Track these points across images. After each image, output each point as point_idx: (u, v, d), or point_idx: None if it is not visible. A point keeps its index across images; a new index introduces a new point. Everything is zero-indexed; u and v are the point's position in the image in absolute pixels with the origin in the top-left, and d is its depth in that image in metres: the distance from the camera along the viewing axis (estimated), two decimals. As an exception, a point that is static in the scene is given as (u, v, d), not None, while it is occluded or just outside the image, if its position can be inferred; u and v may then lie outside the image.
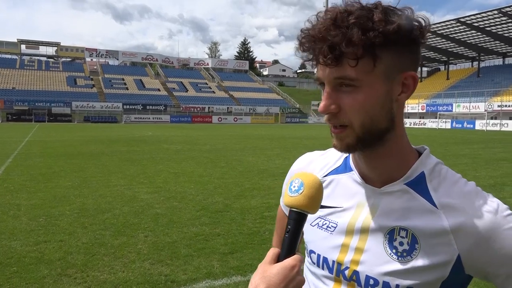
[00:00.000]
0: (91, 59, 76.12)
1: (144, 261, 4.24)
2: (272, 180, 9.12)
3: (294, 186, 0.74)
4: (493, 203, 0.78)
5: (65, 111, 54.85)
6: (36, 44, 74.05)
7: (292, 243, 0.72)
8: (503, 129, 44.25)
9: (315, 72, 0.80)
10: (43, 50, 74.84)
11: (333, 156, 0.97)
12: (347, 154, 0.92)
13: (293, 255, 0.71)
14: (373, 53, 0.71)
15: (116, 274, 3.93)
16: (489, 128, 44.75)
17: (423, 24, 0.74)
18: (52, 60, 73.69)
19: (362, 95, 0.74)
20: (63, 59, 74.48)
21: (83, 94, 60.55)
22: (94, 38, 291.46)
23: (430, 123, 52.48)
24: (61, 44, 74.65)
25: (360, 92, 0.74)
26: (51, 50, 75.17)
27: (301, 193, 0.72)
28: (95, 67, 72.89)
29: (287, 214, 0.97)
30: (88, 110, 56.57)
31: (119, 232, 5.23)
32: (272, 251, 0.73)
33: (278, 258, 0.72)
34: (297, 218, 0.73)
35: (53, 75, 65.12)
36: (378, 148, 0.80)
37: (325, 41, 0.71)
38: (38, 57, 73.20)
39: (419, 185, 0.81)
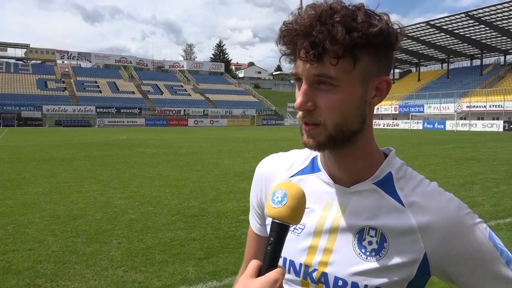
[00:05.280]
0: (63, 62, 74.16)
1: (117, 269, 4.15)
2: (249, 182, 9.03)
3: (277, 197, 0.72)
4: (455, 201, 0.81)
5: (36, 115, 53.25)
6: (4, 46, 71.65)
7: (274, 255, 0.70)
8: (472, 129, 45.76)
9: (291, 68, 0.78)
10: (11, 52, 72.61)
11: (299, 157, 0.95)
12: (315, 155, 0.92)
13: (275, 268, 0.69)
14: (354, 54, 0.71)
15: (88, 282, 3.83)
16: (458, 128, 46.21)
17: (398, 30, 0.76)
18: (21, 62, 71.41)
19: (340, 95, 0.74)
20: (33, 62, 72.32)
21: (54, 97, 58.96)
22: (65, 39, 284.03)
23: (403, 124, 53.72)
24: (31, 46, 72.55)
25: (337, 92, 0.74)
26: (20, 52, 72.94)
27: (285, 204, 0.70)
28: (66, 70, 71.02)
29: (258, 231, 0.96)
30: (59, 114, 55.09)
31: (91, 239, 5.10)
32: (253, 264, 0.70)
33: (260, 271, 0.69)
34: (280, 230, 0.71)
35: (23, 78, 63.12)
36: (348, 148, 0.80)
37: (309, 36, 0.70)
38: (6, 59, 70.79)
39: (387, 184, 0.82)
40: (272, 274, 0.67)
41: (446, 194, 0.82)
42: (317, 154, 0.91)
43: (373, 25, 0.71)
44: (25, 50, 72.19)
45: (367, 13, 0.72)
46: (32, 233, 5.34)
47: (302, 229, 0.86)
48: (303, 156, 0.95)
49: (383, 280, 0.77)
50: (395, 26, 0.75)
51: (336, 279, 0.80)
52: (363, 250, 0.79)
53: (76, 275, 3.98)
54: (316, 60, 0.71)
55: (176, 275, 4.01)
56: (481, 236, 0.79)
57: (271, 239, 0.71)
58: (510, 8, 43.09)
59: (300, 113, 0.77)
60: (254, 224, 1.04)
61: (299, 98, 0.75)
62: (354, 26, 0.70)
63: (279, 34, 0.75)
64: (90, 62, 76.98)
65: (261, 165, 1.01)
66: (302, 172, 0.92)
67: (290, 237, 0.85)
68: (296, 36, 0.72)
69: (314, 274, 0.83)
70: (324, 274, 0.81)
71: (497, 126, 44.18)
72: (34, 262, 4.30)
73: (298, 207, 0.71)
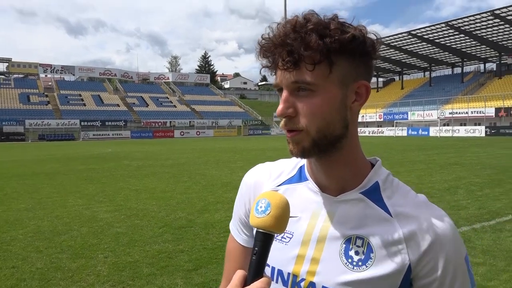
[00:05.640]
0: (46, 75, 73.19)
1: (104, 283, 4.07)
2: (236, 192, 8.88)
3: (260, 207, 0.72)
4: (441, 213, 0.81)
5: (18, 130, 52.27)
6: (-15, 60, 70.58)
7: (259, 265, 0.70)
8: (455, 135, 46.62)
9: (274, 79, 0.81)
10: (-8, 66, 71.48)
11: (287, 166, 0.96)
12: (302, 164, 0.92)
13: (260, 277, 0.68)
14: (329, 59, 0.73)
15: (74, 299, 3.74)
16: (442, 134, 47.00)
17: (375, 39, 0.78)
18: (2, 76, 70.25)
19: (319, 99, 0.75)
20: (15, 76, 71.24)
21: (37, 111, 58.07)
22: (48, 53, 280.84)
23: (387, 131, 54.42)
24: (13, 59, 71.57)
25: (316, 97, 0.75)
26: (1, 66, 71.85)
27: (268, 213, 0.70)
28: (50, 83, 70.08)
29: (243, 241, 0.96)
30: (43, 128, 54.20)
31: (77, 254, 5.00)
32: (239, 274, 0.69)
33: (245, 282, 0.68)
34: (264, 240, 0.71)
35: (4, 92, 62.05)
36: (333, 155, 0.81)
37: (284, 45, 0.73)
38: (-13, 74, 69.69)
39: (374, 194, 0.83)
40: (257, 284, 0.67)
41: (433, 205, 0.83)
42: (304, 163, 0.92)
43: (346, 32, 0.74)
44: (7, 64, 71.18)
45: (340, 22, 0.75)
46: (15, 250, 5.21)
47: (290, 238, 0.86)
48: (291, 165, 0.95)
49: None
50: (372, 36, 0.78)
51: None
52: (349, 260, 0.79)
53: (61, 292, 3.89)
54: (293, 67, 0.74)
55: (164, 287, 3.95)
56: (461, 254, 0.80)
57: (256, 248, 0.70)
58: (489, 18, 44.35)
59: (282, 121, 0.78)
60: (240, 236, 1.02)
61: (280, 106, 0.77)
62: (327, 32, 0.73)
63: (258, 48, 0.78)
64: (73, 75, 76.20)
65: (249, 175, 1.01)
66: (289, 181, 0.92)
67: (278, 246, 0.85)
68: (274, 47, 0.75)
69: (302, 284, 0.82)
70: (312, 284, 0.81)
71: (479, 131, 45.14)
72: (18, 280, 4.19)
73: (282, 216, 0.72)
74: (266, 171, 0.98)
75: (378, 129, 56.37)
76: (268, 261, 0.85)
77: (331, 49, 0.73)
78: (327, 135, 0.77)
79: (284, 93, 0.77)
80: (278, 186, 0.93)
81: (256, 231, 0.72)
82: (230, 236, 1.06)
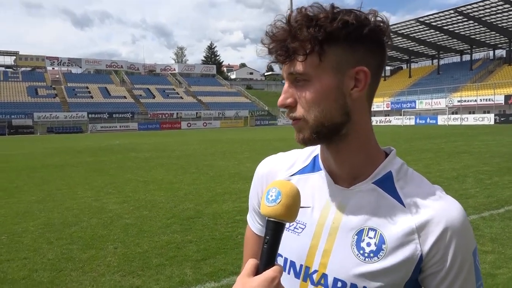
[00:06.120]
0: (53, 68, 73.60)
1: (114, 274, 4.13)
2: (243, 183, 9.10)
3: (271, 196, 0.72)
4: (455, 205, 0.80)
5: (27, 123, 52.83)
6: (-7, 54, 71.03)
7: (271, 253, 0.70)
8: (464, 123, 46.14)
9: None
10: (0, 59, 71.85)
11: (301, 156, 0.96)
12: (316, 154, 0.93)
13: (272, 266, 0.69)
14: (319, 48, 0.74)
15: (85, 289, 3.81)
16: (450, 122, 46.56)
17: (377, 23, 0.76)
18: (10, 70, 70.74)
19: (313, 88, 0.77)
20: (23, 69, 71.70)
21: (45, 104, 58.54)
22: (55, 46, 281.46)
23: (395, 120, 54.01)
24: (20, 53, 71.92)
25: (310, 86, 0.77)
26: (9, 60, 72.20)
27: (279, 202, 0.71)
28: (57, 76, 70.51)
29: (258, 231, 0.95)
30: (51, 121, 54.72)
31: (87, 245, 5.07)
32: (251, 263, 0.70)
33: (257, 270, 0.69)
34: (275, 228, 0.71)
35: (13, 86, 62.58)
36: (340, 143, 0.81)
37: (277, 40, 0.76)
38: (-5, 68, 70.19)
39: (387, 184, 0.82)
40: (269, 272, 0.67)
41: (447, 197, 0.81)
42: (318, 152, 0.92)
43: (336, 19, 0.73)
44: (15, 57, 71.57)
45: (334, 10, 0.75)
46: (26, 241, 5.30)
47: (303, 228, 0.86)
48: (305, 155, 0.95)
49: (382, 282, 0.77)
50: (373, 19, 0.76)
51: (335, 280, 0.80)
52: (361, 252, 0.79)
53: (73, 282, 3.95)
54: (283, 59, 0.77)
55: (173, 277, 4.00)
56: (470, 247, 0.78)
57: (267, 237, 0.71)
58: (498, 3, 43.55)
59: (286, 111, 0.81)
60: (254, 225, 1.04)
61: (280, 96, 0.80)
62: (314, 23, 0.73)
63: (264, 46, 0.80)
64: (80, 67, 76.52)
65: (261, 165, 1.02)
66: (302, 171, 0.93)
67: (291, 236, 0.86)
68: (270, 42, 0.78)
69: (314, 276, 0.82)
70: (324, 276, 0.81)
71: (488, 119, 44.59)
72: (30, 271, 4.26)
73: (292, 205, 0.72)
74: (279, 161, 0.99)
75: (385, 118, 55.96)
76: (281, 252, 0.86)
77: (319, 37, 0.73)
78: (325, 122, 0.78)
79: (285, 84, 0.81)
80: (291, 176, 0.93)
81: (267, 220, 0.72)
82: (247, 225, 1.08)
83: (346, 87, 0.78)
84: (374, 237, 0.79)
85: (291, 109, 0.80)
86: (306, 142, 0.81)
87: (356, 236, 0.80)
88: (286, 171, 0.95)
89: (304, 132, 0.80)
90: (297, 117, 0.79)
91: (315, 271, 0.82)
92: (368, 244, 0.79)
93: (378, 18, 0.77)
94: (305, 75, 0.76)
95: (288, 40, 0.75)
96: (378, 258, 0.77)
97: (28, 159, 16.54)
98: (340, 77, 0.77)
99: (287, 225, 0.87)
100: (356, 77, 0.78)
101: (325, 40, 0.74)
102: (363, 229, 0.80)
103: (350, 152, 0.82)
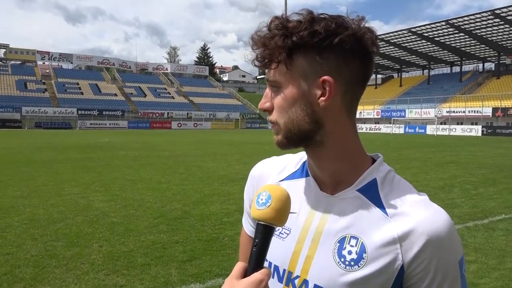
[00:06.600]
0: (43, 63, 72.74)
1: (98, 272, 4.09)
2: (232, 185, 9.10)
3: (261, 199, 0.73)
4: (440, 213, 0.78)
5: (15, 117, 52.03)
6: (-18, 46, 69.94)
7: (259, 257, 0.71)
8: (452, 133, 46.79)
9: None
10: (-11, 52, 70.88)
11: (291, 161, 0.97)
12: (305, 159, 0.93)
13: (260, 269, 0.69)
14: (285, 57, 0.76)
15: (68, 287, 3.76)
16: (439, 132, 47.17)
17: (356, 31, 0.75)
18: (0, 63, 69.80)
19: (281, 95, 0.80)
20: (12, 62, 70.71)
21: (34, 98, 57.79)
22: (46, 40, 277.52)
23: (384, 128, 54.49)
24: (10, 46, 70.96)
25: (280, 93, 0.80)
26: (-1, 53, 71.31)
27: (269, 206, 0.72)
28: (47, 71, 69.65)
29: (252, 233, 0.95)
30: (39, 116, 53.98)
31: (71, 242, 5.02)
32: (239, 265, 0.71)
33: (245, 273, 0.70)
34: (265, 232, 0.72)
35: (1, 79, 61.62)
36: (318, 150, 0.82)
37: (256, 46, 0.79)
38: (-16, 60, 69.10)
39: (371, 191, 0.82)
40: (257, 275, 0.68)
41: (433, 205, 0.79)
42: (306, 158, 0.92)
43: (305, 29, 0.74)
44: (4, 50, 70.54)
45: (310, 18, 0.74)
46: (10, 237, 5.22)
47: (288, 234, 0.86)
48: (295, 160, 0.96)
49: None
50: (363, 27, 0.75)
51: (316, 287, 0.80)
52: (342, 259, 0.79)
53: (56, 280, 3.90)
54: (258, 66, 0.80)
55: (158, 278, 3.97)
56: (455, 257, 0.77)
57: (256, 240, 0.72)
58: (489, 17, 44.35)
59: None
60: (248, 227, 1.04)
61: (261, 100, 0.84)
62: (282, 32, 0.75)
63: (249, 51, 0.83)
64: (71, 63, 75.66)
65: (255, 168, 1.03)
66: (292, 176, 0.93)
67: (276, 241, 0.85)
68: (254, 49, 0.80)
69: (296, 281, 0.82)
70: (305, 282, 0.81)
71: (476, 130, 45.29)
72: (12, 267, 4.20)
73: (282, 209, 0.72)
74: (271, 165, 1.00)
75: (375, 126, 56.42)
76: (267, 256, 0.87)
77: (287, 46, 0.75)
78: (292, 129, 0.80)
79: (266, 89, 0.84)
80: (280, 181, 0.93)
81: (257, 223, 0.73)
82: (243, 227, 1.09)
83: (313, 96, 0.78)
84: (356, 246, 0.78)
85: (269, 112, 0.83)
86: (280, 145, 0.84)
87: (338, 244, 0.80)
88: (277, 176, 0.95)
89: (278, 136, 0.83)
90: (272, 121, 0.83)
91: (297, 277, 0.83)
92: (350, 252, 0.78)
93: (362, 26, 0.76)
94: (275, 82, 0.79)
95: (259, 47, 0.77)
96: (359, 266, 0.77)
97: (14, 154, 16.30)
98: (306, 86, 0.77)
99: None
100: (323, 86, 0.77)
101: (293, 49, 0.75)
102: (345, 237, 0.80)
103: (329, 159, 0.82)
